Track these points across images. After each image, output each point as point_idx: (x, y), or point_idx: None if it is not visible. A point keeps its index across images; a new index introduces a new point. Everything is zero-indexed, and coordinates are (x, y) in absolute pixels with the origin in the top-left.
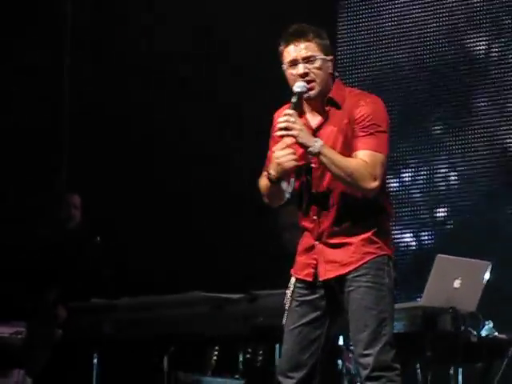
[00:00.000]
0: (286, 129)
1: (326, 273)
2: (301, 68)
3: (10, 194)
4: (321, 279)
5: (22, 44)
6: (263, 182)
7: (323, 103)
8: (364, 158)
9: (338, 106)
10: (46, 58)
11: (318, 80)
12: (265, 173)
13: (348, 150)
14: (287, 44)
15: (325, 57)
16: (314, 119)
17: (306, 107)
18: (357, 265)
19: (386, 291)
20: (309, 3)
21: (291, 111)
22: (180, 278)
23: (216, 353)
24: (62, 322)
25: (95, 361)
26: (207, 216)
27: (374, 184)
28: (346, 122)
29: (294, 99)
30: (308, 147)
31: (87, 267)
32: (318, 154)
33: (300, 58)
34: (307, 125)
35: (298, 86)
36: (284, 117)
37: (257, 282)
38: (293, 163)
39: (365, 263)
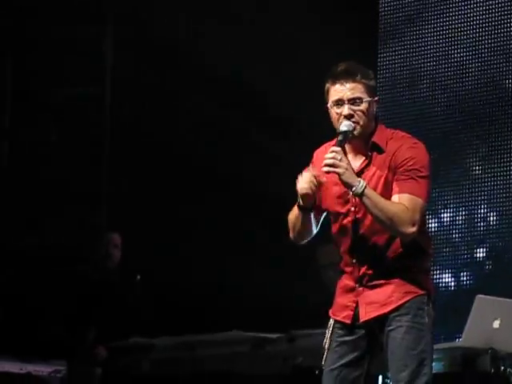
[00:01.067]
0: (332, 165)
1: (367, 314)
2: (346, 109)
3: (49, 232)
4: (361, 320)
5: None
6: (291, 215)
7: (365, 145)
8: (404, 203)
9: (380, 150)
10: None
11: (362, 122)
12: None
13: (388, 193)
14: (334, 82)
15: (370, 98)
16: (356, 161)
17: (348, 148)
18: (397, 304)
19: (426, 331)
20: (348, 42)
21: (338, 148)
22: (220, 317)
23: None
24: (101, 361)
25: None
26: (246, 255)
27: (412, 229)
28: (387, 166)
29: (340, 137)
30: (352, 187)
31: (127, 306)
32: (361, 195)
33: (346, 98)
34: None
35: (345, 125)
36: (331, 153)
37: (296, 322)
38: (304, 190)
39: (405, 302)
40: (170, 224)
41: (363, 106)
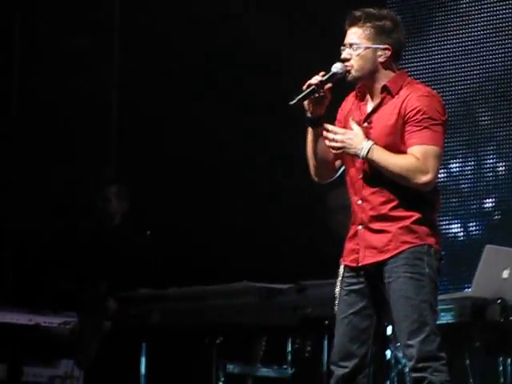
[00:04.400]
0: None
1: (365, 258)
2: (344, 53)
3: (58, 186)
4: (360, 264)
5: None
6: (307, 146)
7: (376, 90)
8: (416, 154)
9: (392, 94)
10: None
11: (356, 67)
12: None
13: (394, 137)
14: (346, 28)
15: (370, 45)
16: (370, 105)
17: (361, 94)
18: (393, 253)
19: (427, 281)
20: None
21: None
22: (228, 268)
23: (264, 343)
24: (111, 314)
25: (143, 350)
26: (255, 206)
27: (426, 178)
28: (397, 112)
29: (325, 76)
30: (354, 154)
31: (135, 258)
32: (365, 158)
33: (347, 43)
34: (363, 111)
35: (335, 67)
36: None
37: (306, 272)
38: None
39: (401, 252)
40: (179, 175)
41: (359, 51)
